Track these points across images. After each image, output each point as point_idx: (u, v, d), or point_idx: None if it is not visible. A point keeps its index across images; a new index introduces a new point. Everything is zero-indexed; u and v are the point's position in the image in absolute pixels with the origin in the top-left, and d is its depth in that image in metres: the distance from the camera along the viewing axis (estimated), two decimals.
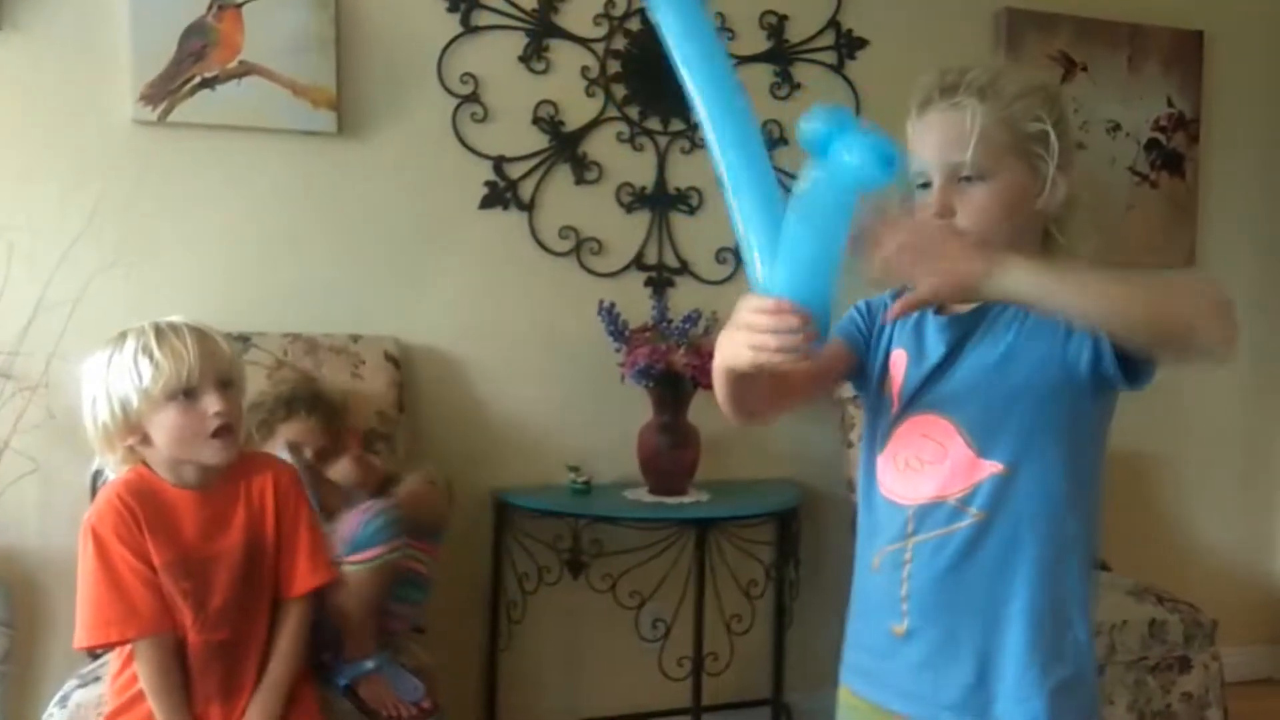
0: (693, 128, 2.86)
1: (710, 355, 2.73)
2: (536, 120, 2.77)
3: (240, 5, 2.49)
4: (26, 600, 2.41)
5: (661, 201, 2.88)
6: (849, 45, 3.01)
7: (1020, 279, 1.06)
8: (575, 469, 2.71)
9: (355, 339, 2.56)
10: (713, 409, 2.81)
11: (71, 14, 2.43)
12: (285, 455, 1.98)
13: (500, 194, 2.75)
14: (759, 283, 1.08)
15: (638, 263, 2.87)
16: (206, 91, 2.49)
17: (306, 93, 2.56)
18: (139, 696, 1.69)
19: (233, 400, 1.72)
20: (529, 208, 2.78)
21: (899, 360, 1.33)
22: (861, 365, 1.37)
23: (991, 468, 1.22)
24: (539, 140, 2.78)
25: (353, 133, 2.63)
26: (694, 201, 2.90)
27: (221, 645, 1.71)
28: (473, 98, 2.72)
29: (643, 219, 2.87)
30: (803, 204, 1.05)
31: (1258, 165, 3.48)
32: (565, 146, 2.80)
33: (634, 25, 2.82)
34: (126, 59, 2.44)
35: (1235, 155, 3.44)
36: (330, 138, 2.60)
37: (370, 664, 1.92)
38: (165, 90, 2.46)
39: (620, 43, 2.82)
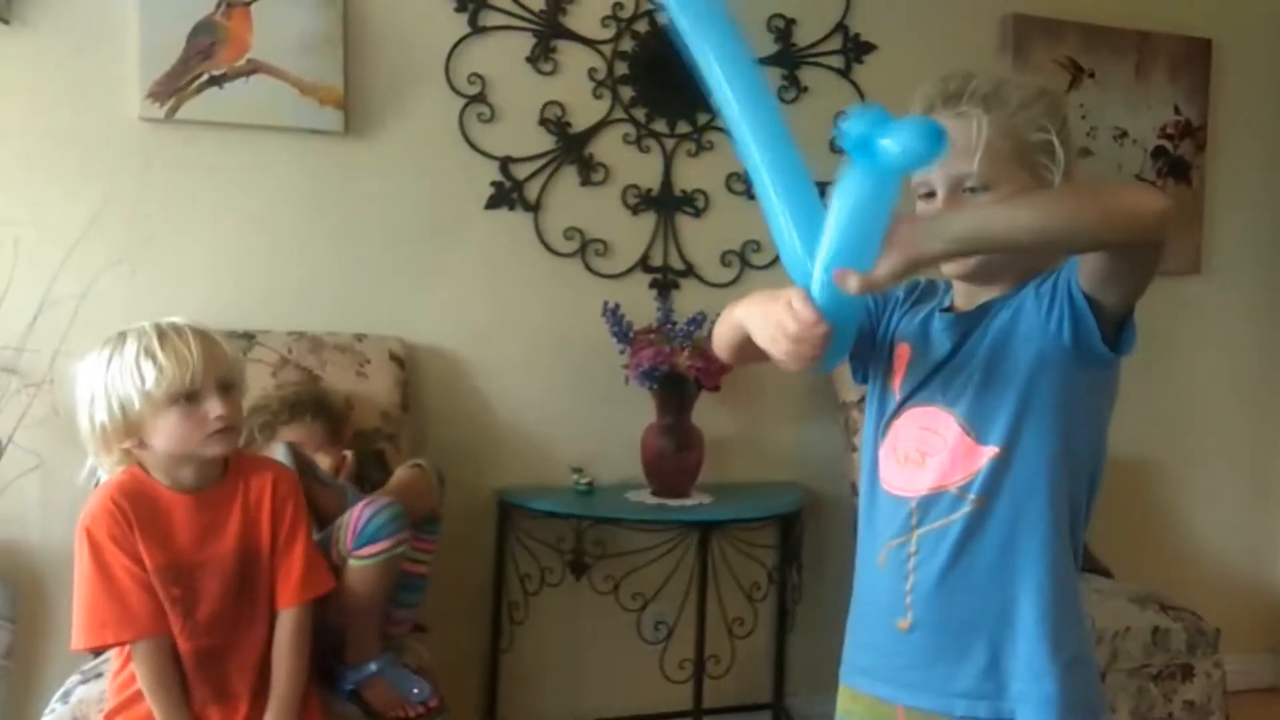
0: (699, 130, 2.87)
1: (714, 358, 2.72)
2: (543, 121, 2.77)
3: (249, 3, 2.50)
4: (29, 596, 2.41)
5: (667, 204, 2.88)
6: (856, 49, 3.01)
7: (957, 221, 1.12)
8: (578, 470, 2.71)
9: (360, 338, 2.56)
10: (716, 412, 2.83)
11: (80, 10, 2.43)
12: (284, 453, 1.97)
13: (506, 194, 2.75)
14: (802, 272, 1.09)
15: (643, 264, 2.87)
16: (214, 89, 2.49)
17: (314, 91, 2.56)
18: (139, 695, 1.68)
19: (234, 403, 1.70)
20: (535, 208, 2.78)
21: (903, 354, 1.34)
22: (865, 342, 1.38)
23: (989, 452, 1.23)
24: (545, 141, 2.78)
25: (359, 132, 2.63)
26: (700, 204, 2.90)
27: (211, 652, 1.70)
28: (479, 98, 2.72)
29: (648, 221, 2.87)
30: (851, 197, 1.04)
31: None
32: (572, 148, 2.80)
33: (642, 27, 2.82)
34: (134, 55, 2.44)
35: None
36: (337, 137, 2.60)
37: (374, 666, 1.91)
38: (173, 87, 2.46)
39: (628, 44, 2.82)
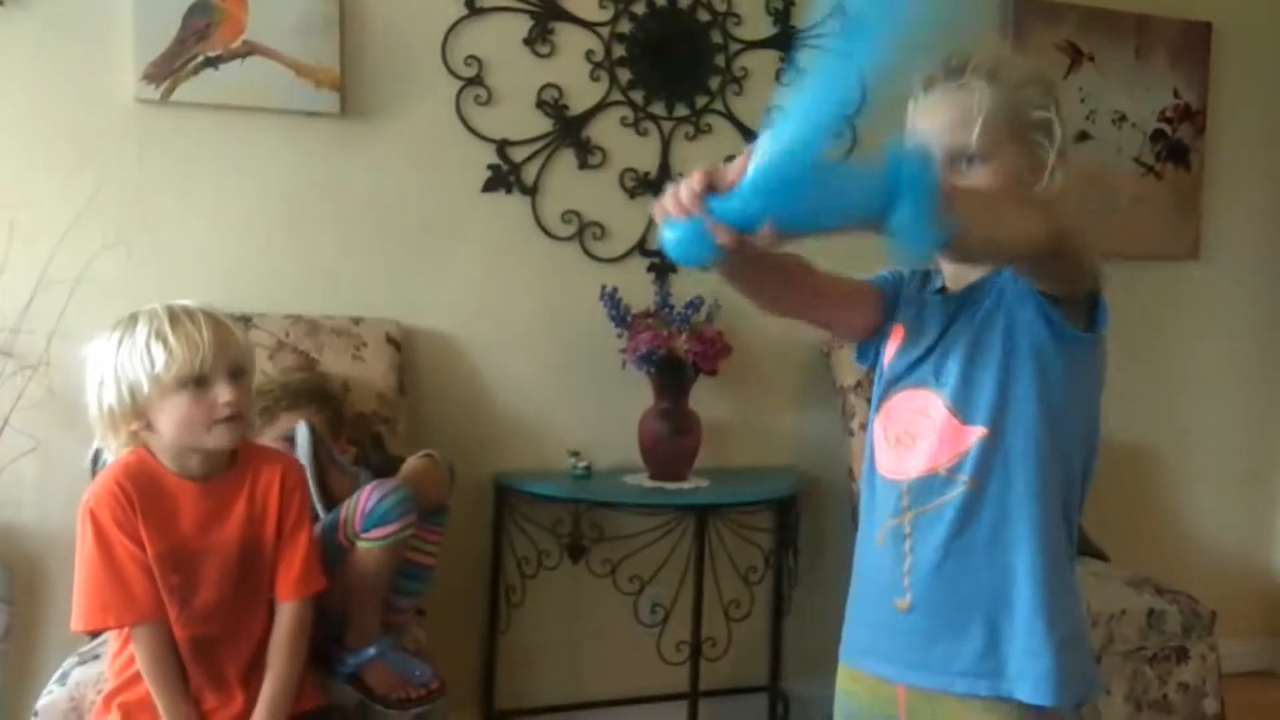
0: (698, 113, 2.86)
1: (712, 342, 2.72)
2: (540, 104, 2.76)
3: None
4: (26, 578, 2.41)
5: (665, 187, 2.86)
6: None
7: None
8: (576, 454, 2.71)
9: (357, 321, 2.56)
10: (714, 396, 2.83)
11: None
12: (303, 432, 1.96)
13: (503, 177, 2.74)
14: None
15: (640, 248, 2.86)
16: (209, 71, 2.48)
17: (310, 73, 2.55)
18: (138, 676, 1.68)
19: (243, 389, 1.68)
20: (532, 192, 2.77)
21: (896, 335, 1.36)
22: (880, 323, 1.39)
23: (976, 432, 1.25)
24: (543, 124, 2.77)
25: (356, 114, 2.62)
26: None
27: (207, 640, 1.69)
28: (477, 80, 2.71)
29: (646, 204, 2.86)
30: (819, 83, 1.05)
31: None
32: (569, 130, 2.79)
33: (640, 9, 2.80)
34: (129, 37, 2.43)
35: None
36: (333, 119, 2.59)
37: (373, 650, 1.92)
38: (168, 69, 2.45)
39: (625, 26, 2.80)
